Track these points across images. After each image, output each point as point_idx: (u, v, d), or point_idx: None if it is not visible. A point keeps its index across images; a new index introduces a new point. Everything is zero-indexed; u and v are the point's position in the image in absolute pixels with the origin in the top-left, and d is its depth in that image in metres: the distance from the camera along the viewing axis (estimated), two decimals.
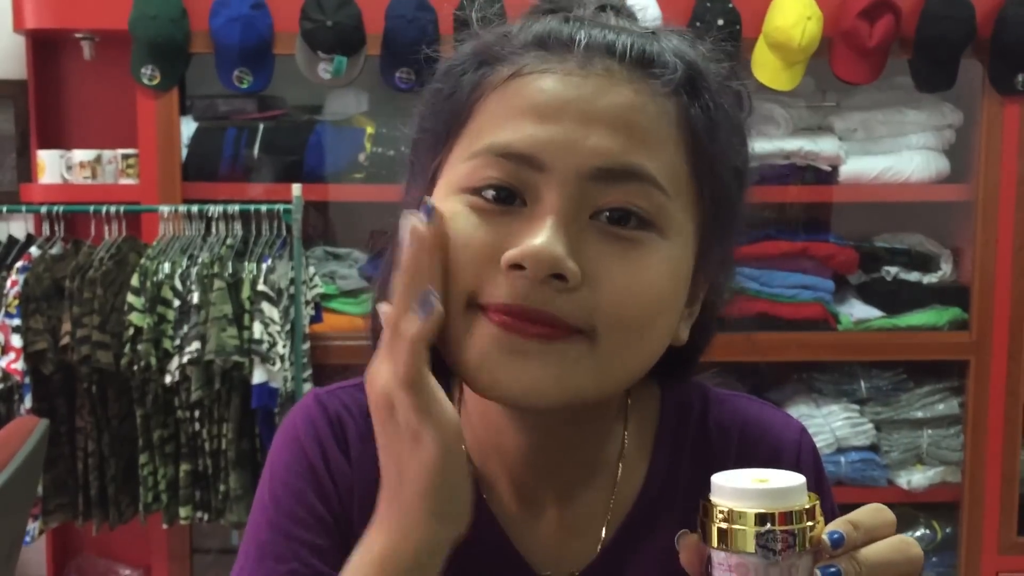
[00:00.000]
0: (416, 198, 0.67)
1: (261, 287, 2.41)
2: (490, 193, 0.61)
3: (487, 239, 0.60)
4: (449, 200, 0.63)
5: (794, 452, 0.76)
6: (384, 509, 0.61)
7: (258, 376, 2.38)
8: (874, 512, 0.57)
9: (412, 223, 0.60)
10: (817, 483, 0.75)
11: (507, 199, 0.61)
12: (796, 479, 0.57)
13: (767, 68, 2.59)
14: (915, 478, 2.77)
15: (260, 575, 0.69)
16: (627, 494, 0.73)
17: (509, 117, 0.61)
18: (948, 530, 2.85)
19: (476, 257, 0.60)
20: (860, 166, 2.72)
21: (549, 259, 0.58)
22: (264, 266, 2.43)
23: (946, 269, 2.81)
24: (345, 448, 0.73)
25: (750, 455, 0.74)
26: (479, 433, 0.71)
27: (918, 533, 2.86)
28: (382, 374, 0.59)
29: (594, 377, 0.61)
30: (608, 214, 0.61)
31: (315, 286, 2.59)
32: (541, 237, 0.58)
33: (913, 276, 2.81)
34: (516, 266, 0.59)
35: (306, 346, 2.55)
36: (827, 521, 0.72)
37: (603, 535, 0.72)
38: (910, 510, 2.88)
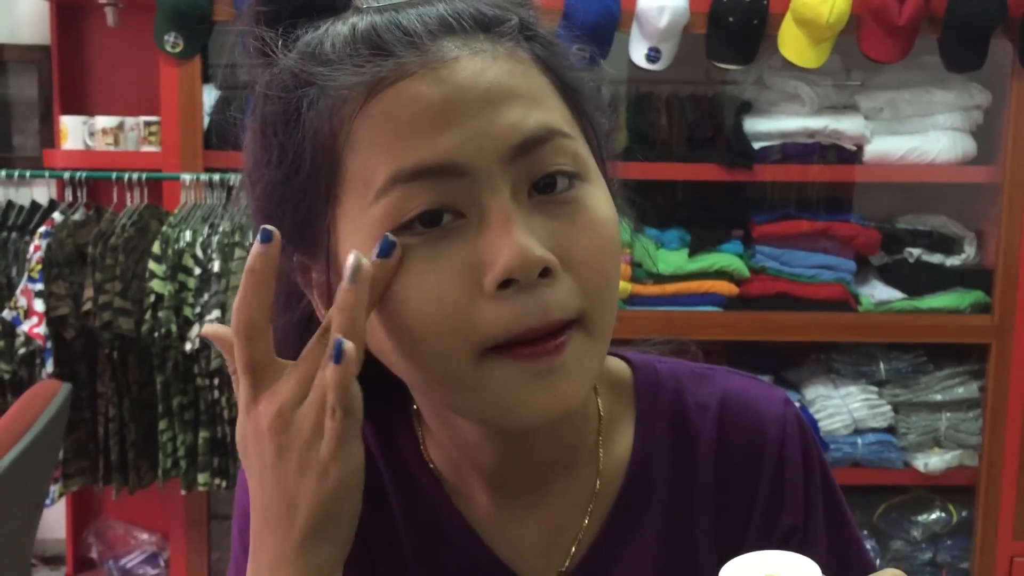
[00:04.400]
0: (296, 260, 0.63)
1: None
2: (418, 225, 0.56)
3: (457, 277, 0.56)
4: (387, 250, 0.57)
5: (779, 426, 0.72)
6: (270, 536, 0.60)
7: None
8: None
9: (360, 262, 0.56)
10: (805, 456, 0.72)
11: (436, 221, 0.57)
12: (810, 574, 0.53)
13: (794, 45, 2.56)
14: (932, 461, 2.76)
15: None
16: (611, 482, 0.71)
17: (399, 138, 0.56)
18: (964, 513, 2.84)
19: (459, 301, 0.56)
20: (885, 146, 2.69)
21: (534, 260, 0.56)
22: None
23: (969, 252, 2.79)
24: None
25: (731, 431, 0.71)
26: (450, 451, 0.69)
27: (933, 516, 2.86)
28: (293, 397, 0.59)
29: (597, 352, 0.61)
30: (541, 184, 0.58)
31: None
32: (513, 242, 0.55)
33: (936, 258, 2.78)
34: (504, 283, 0.56)
35: None
36: (818, 491, 0.70)
37: (587, 525, 0.70)
38: (926, 493, 2.88)
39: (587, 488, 0.70)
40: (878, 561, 2.81)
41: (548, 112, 0.59)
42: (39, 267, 2.41)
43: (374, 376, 0.63)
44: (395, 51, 0.57)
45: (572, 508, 0.70)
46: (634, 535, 0.70)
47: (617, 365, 0.75)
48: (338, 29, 0.59)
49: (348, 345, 0.56)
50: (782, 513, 0.71)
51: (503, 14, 0.61)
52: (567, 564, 0.70)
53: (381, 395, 0.68)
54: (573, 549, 0.70)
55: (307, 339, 0.60)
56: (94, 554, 2.95)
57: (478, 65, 0.58)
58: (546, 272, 0.57)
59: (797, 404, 3.01)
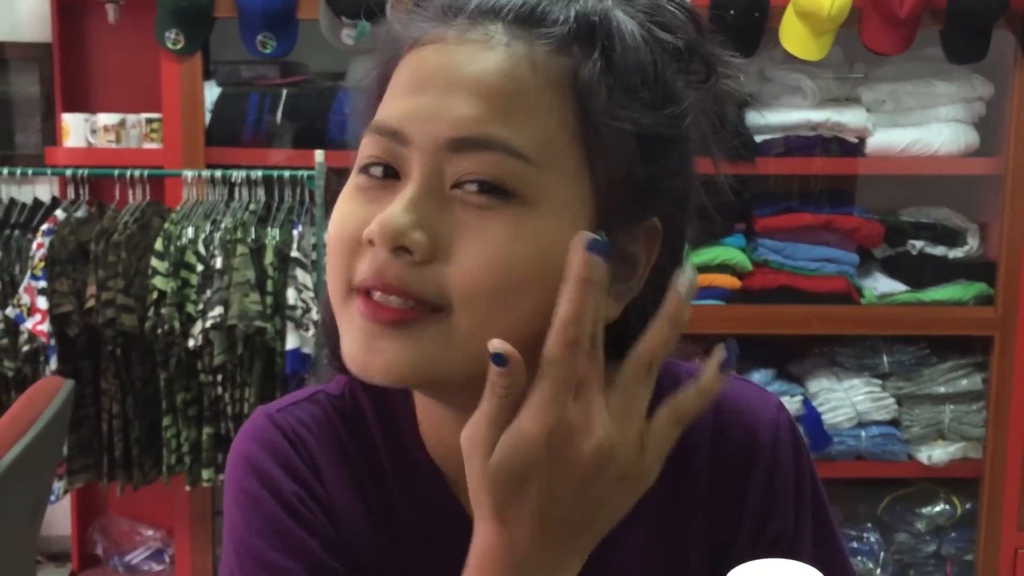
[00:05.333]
0: None
1: (295, 253, 2.42)
2: (376, 170, 0.61)
3: (359, 218, 0.60)
4: (349, 181, 0.63)
5: (772, 431, 0.72)
6: (555, 551, 0.59)
7: (291, 342, 2.40)
8: None
9: (590, 259, 0.56)
10: (796, 461, 0.72)
11: (385, 175, 0.61)
12: None
13: (795, 37, 2.55)
14: (936, 453, 2.76)
15: None
16: None
17: (392, 94, 0.62)
18: (968, 506, 2.84)
19: (349, 238, 0.60)
20: (888, 138, 2.69)
21: (392, 231, 0.57)
22: (295, 232, 2.45)
23: (972, 244, 2.78)
24: (314, 467, 0.69)
25: (725, 434, 0.72)
26: (441, 435, 0.69)
27: (937, 508, 2.86)
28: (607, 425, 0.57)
29: (452, 355, 0.59)
30: (468, 185, 0.58)
31: None
32: (389, 210, 0.58)
33: (939, 250, 2.78)
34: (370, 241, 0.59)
35: None
36: (799, 503, 0.71)
37: None
38: (930, 485, 2.88)
39: None
40: (881, 554, 2.81)
41: (512, 128, 0.58)
42: (42, 264, 2.41)
43: None
44: (446, 21, 0.62)
45: None
46: (626, 533, 0.68)
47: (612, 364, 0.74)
48: None
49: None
50: (772, 517, 0.71)
51: (559, 18, 0.60)
52: None
53: None
54: None
55: None
56: (99, 550, 2.96)
57: (481, 53, 0.59)
58: (403, 250, 0.58)
59: (801, 397, 3.00)
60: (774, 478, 0.71)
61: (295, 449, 0.69)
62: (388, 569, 0.70)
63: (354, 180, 0.62)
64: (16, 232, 2.54)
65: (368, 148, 0.61)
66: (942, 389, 2.77)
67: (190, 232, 2.43)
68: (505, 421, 0.56)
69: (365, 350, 0.60)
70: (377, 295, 0.59)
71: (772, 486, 0.71)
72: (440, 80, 0.59)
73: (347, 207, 0.62)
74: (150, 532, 2.97)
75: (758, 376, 2.75)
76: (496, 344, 0.55)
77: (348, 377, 0.72)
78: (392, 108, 0.61)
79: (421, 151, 0.59)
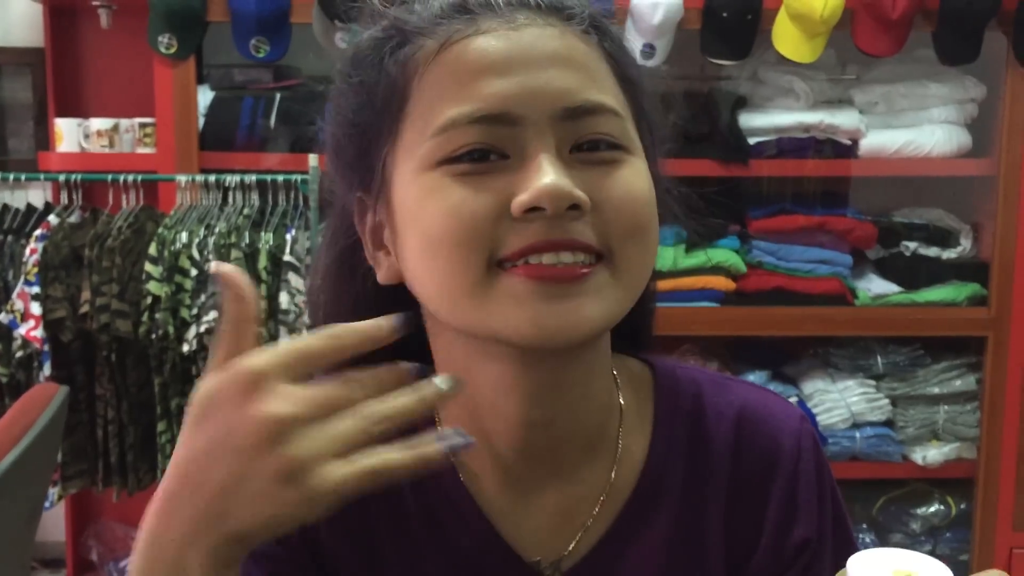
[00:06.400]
0: (357, 198, 0.68)
1: (287, 257, 2.42)
2: (468, 157, 0.62)
3: (489, 197, 0.61)
4: (425, 177, 0.62)
5: (795, 440, 0.73)
6: (190, 511, 0.54)
7: None
8: None
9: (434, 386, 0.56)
10: (818, 473, 0.74)
11: (484, 158, 0.62)
12: None
13: (788, 40, 2.56)
14: (930, 454, 2.77)
15: None
16: (626, 475, 0.72)
17: (462, 84, 0.62)
18: (963, 506, 2.85)
19: (486, 216, 0.61)
20: (880, 140, 2.69)
21: (565, 193, 0.60)
22: (288, 237, 2.44)
23: (966, 245, 2.79)
24: None
25: (747, 442, 0.73)
26: (466, 423, 0.69)
27: (932, 508, 2.86)
28: (311, 408, 0.53)
29: (622, 294, 0.64)
30: (585, 145, 0.63)
31: None
32: (548, 176, 0.60)
33: (932, 251, 2.79)
34: (531, 210, 0.60)
35: None
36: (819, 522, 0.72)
37: (597, 514, 0.71)
38: (925, 485, 2.88)
39: (601, 479, 0.71)
40: None
41: (604, 91, 0.64)
42: (35, 270, 2.41)
43: (402, 348, 0.65)
44: (475, 11, 0.64)
45: (584, 497, 0.71)
46: (643, 532, 0.71)
47: (638, 366, 0.76)
48: None
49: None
50: (795, 526, 0.72)
51: (576, 5, 0.66)
52: (570, 549, 0.70)
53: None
54: (580, 535, 0.70)
55: (371, 314, 0.60)
56: (94, 556, 2.95)
57: (547, 33, 0.64)
58: (575, 207, 0.61)
59: (795, 399, 3.01)
60: (797, 488, 0.72)
61: None
62: (397, 560, 0.71)
63: (444, 170, 0.62)
64: (9, 238, 2.54)
65: (457, 139, 0.61)
66: (936, 390, 2.78)
67: (184, 237, 2.43)
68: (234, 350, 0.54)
69: (549, 314, 0.61)
70: (545, 257, 0.60)
71: (795, 495, 0.72)
72: (522, 61, 0.62)
73: (455, 195, 0.61)
74: None
75: (752, 378, 2.75)
76: (215, 266, 0.57)
77: None
78: (481, 96, 0.61)
79: (535, 126, 0.62)
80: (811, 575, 0.72)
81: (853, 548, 0.75)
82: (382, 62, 0.66)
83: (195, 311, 2.39)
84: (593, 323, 0.62)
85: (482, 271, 0.61)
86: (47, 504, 2.30)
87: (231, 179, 2.51)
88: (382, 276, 0.68)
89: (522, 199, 0.60)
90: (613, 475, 0.71)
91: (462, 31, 0.63)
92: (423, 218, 0.62)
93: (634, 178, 0.64)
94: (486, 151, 0.62)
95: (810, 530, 0.72)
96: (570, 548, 0.70)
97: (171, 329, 2.38)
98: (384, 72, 0.65)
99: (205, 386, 0.54)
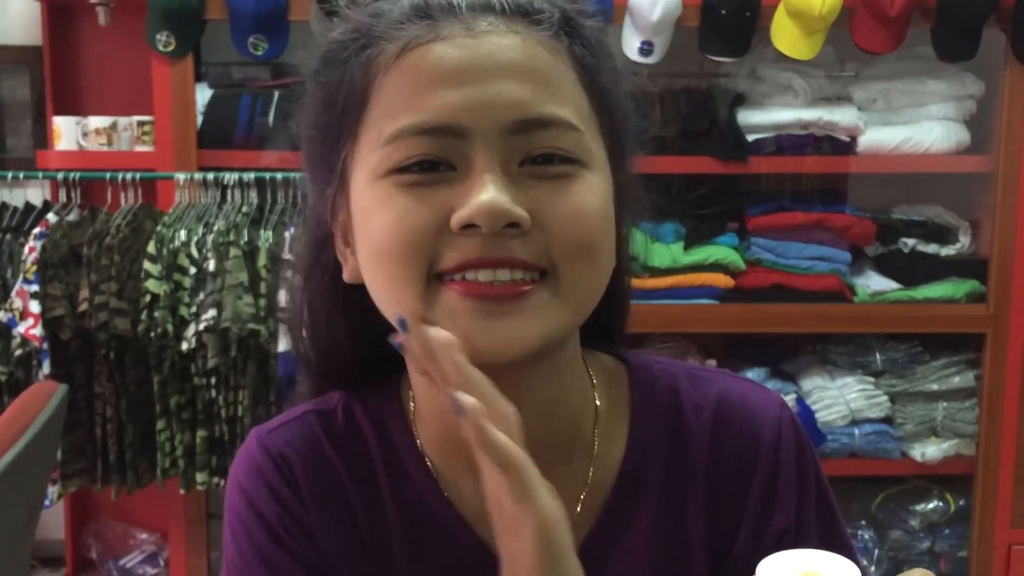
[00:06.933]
0: (327, 195, 0.68)
1: (287, 255, 2.42)
2: (416, 168, 0.62)
3: (431, 210, 0.61)
4: (375, 186, 0.63)
5: (774, 429, 0.73)
6: None
7: (283, 344, 2.39)
8: None
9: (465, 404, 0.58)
10: (799, 460, 0.73)
11: (432, 168, 0.62)
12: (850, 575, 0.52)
13: (786, 36, 2.56)
14: (929, 450, 2.77)
15: None
16: (605, 473, 0.71)
17: (415, 93, 0.62)
18: (961, 502, 2.85)
19: (425, 228, 0.61)
20: (879, 137, 2.69)
21: (501, 211, 0.60)
22: (287, 234, 2.45)
23: (964, 241, 2.79)
24: (297, 488, 0.71)
25: (725, 433, 0.73)
26: (436, 428, 0.70)
27: (931, 505, 2.87)
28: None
29: (564, 312, 0.63)
30: (537, 158, 0.62)
31: None
32: (486, 193, 0.60)
33: (931, 248, 2.79)
34: (469, 226, 0.60)
35: None
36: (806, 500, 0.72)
37: (578, 514, 0.70)
38: (924, 482, 2.89)
39: (580, 479, 0.71)
40: (876, 551, 2.82)
41: (561, 103, 0.63)
42: (34, 268, 2.41)
43: (369, 352, 0.70)
44: (436, 16, 0.63)
45: (564, 498, 0.69)
46: (626, 529, 0.71)
47: (612, 363, 0.76)
48: None
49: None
50: (775, 515, 0.72)
51: (545, 6, 0.65)
52: None
53: (375, 372, 0.73)
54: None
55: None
56: (93, 554, 2.95)
57: (506, 41, 0.62)
58: (513, 225, 0.60)
59: (794, 396, 3.02)
60: (777, 477, 0.72)
61: (280, 472, 0.71)
62: (382, 570, 0.71)
63: (390, 180, 0.62)
64: (8, 236, 2.54)
65: (406, 150, 0.62)
66: (935, 386, 2.78)
67: (183, 235, 2.43)
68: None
69: (481, 331, 0.61)
70: (481, 274, 0.61)
71: (775, 485, 0.72)
72: (476, 71, 0.61)
73: (399, 206, 0.62)
74: (144, 536, 2.96)
75: (751, 375, 2.75)
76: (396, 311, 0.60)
77: (342, 392, 0.73)
78: (432, 107, 0.61)
79: (483, 138, 0.61)
80: None
81: (840, 534, 0.75)
82: (346, 63, 0.65)
83: (194, 309, 2.39)
84: (528, 342, 0.62)
85: (422, 283, 0.62)
86: (46, 502, 2.30)
87: (230, 177, 2.51)
88: (347, 275, 0.69)
89: (460, 215, 0.60)
90: (591, 474, 0.71)
91: (421, 37, 0.62)
92: (370, 228, 0.63)
93: (585, 194, 0.63)
94: (435, 162, 0.62)
95: (789, 519, 0.72)
96: None
97: (170, 327, 2.38)
98: (347, 73, 0.65)
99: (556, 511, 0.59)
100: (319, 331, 0.73)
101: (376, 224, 0.63)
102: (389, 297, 0.64)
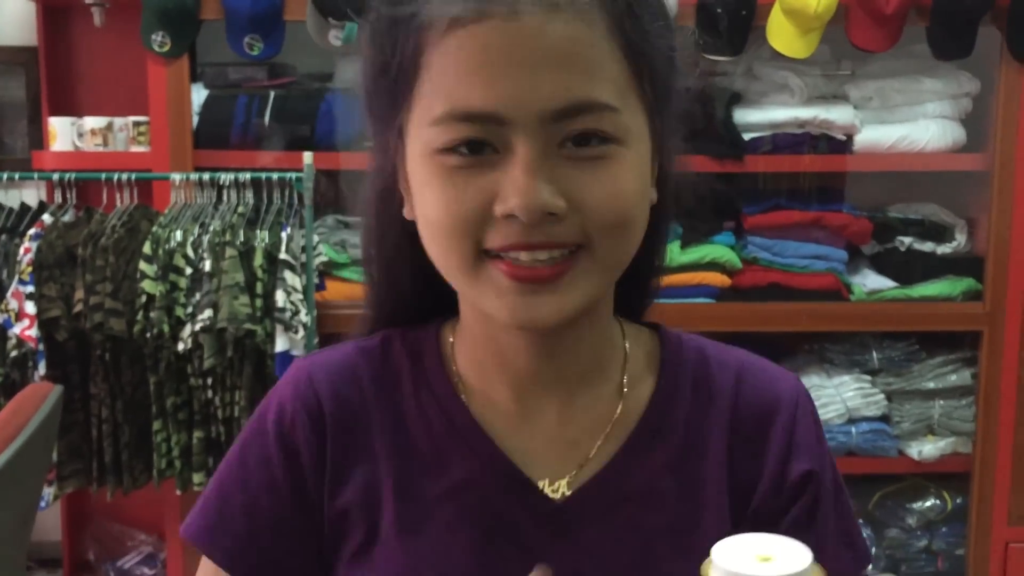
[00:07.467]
0: (387, 144, 0.72)
1: (283, 255, 2.42)
2: (463, 149, 0.66)
3: (476, 195, 0.66)
4: (426, 163, 0.68)
5: (793, 393, 0.78)
6: None
7: (281, 344, 2.39)
8: None
9: None
10: (816, 423, 0.78)
11: (478, 149, 0.66)
12: (803, 559, 0.53)
13: (782, 35, 2.56)
14: (926, 448, 2.77)
15: (204, 534, 0.77)
16: (632, 410, 0.76)
17: (460, 79, 0.65)
18: (958, 500, 2.85)
19: (472, 213, 0.66)
20: (875, 135, 2.69)
21: (538, 206, 0.64)
22: (284, 235, 2.44)
23: (960, 239, 2.79)
24: (316, 407, 0.76)
25: (748, 388, 0.78)
26: (479, 351, 0.76)
27: (928, 503, 2.87)
28: None
29: (598, 279, 0.69)
30: (580, 141, 0.66)
31: (318, 254, 2.59)
32: (525, 187, 0.64)
33: (927, 246, 2.79)
34: (510, 215, 0.65)
35: (313, 314, 2.55)
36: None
37: (601, 444, 0.75)
38: (920, 480, 2.89)
39: (608, 413, 0.76)
40: (873, 549, 2.82)
41: (600, 84, 0.65)
42: (30, 269, 2.40)
43: (422, 296, 0.78)
44: None
45: (590, 427, 0.76)
46: (646, 463, 0.75)
47: (643, 327, 0.82)
48: None
49: None
50: (795, 460, 0.76)
51: None
52: (574, 473, 0.74)
53: (425, 313, 0.80)
54: (585, 461, 0.74)
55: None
56: (90, 556, 2.94)
57: (547, 26, 0.64)
58: (550, 216, 0.65)
59: None
60: (795, 429, 0.77)
61: (299, 391, 0.77)
62: (399, 488, 0.74)
63: (439, 160, 0.67)
64: (3, 237, 2.53)
65: (452, 132, 0.66)
66: (932, 384, 2.78)
67: (178, 235, 2.42)
68: None
69: (524, 307, 0.67)
70: (523, 255, 0.66)
71: (793, 435, 0.76)
72: (518, 60, 0.64)
73: (447, 187, 0.66)
74: (141, 537, 2.96)
75: (741, 350, 2.75)
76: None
77: (389, 329, 0.80)
78: (474, 95, 0.64)
79: (525, 126, 0.64)
80: (816, 511, 0.75)
81: (848, 506, 0.78)
82: (396, 30, 0.68)
83: (190, 309, 2.39)
84: (566, 313, 0.68)
85: (471, 257, 0.68)
86: (42, 504, 2.30)
87: (225, 177, 2.50)
88: (407, 211, 0.74)
89: (501, 209, 0.65)
90: (619, 410, 0.76)
91: (465, 16, 0.65)
92: (423, 202, 0.69)
93: (621, 174, 0.67)
94: (477, 143, 0.66)
95: (811, 463, 0.76)
96: (574, 473, 0.74)
97: (166, 328, 2.38)
98: (399, 42, 0.68)
99: None
100: (392, 265, 0.79)
101: (428, 201, 0.68)
102: (442, 262, 0.71)
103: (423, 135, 0.67)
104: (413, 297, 0.80)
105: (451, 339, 0.78)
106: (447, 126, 0.66)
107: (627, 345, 0.79)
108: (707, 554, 0.54)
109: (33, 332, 2.39)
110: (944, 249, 2.79)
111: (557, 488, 0.74)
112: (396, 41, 0.68)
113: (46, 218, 2.49)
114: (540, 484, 0.74)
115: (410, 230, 0.73)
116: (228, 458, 0.79)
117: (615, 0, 0.67)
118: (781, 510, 0.75)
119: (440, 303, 0.78)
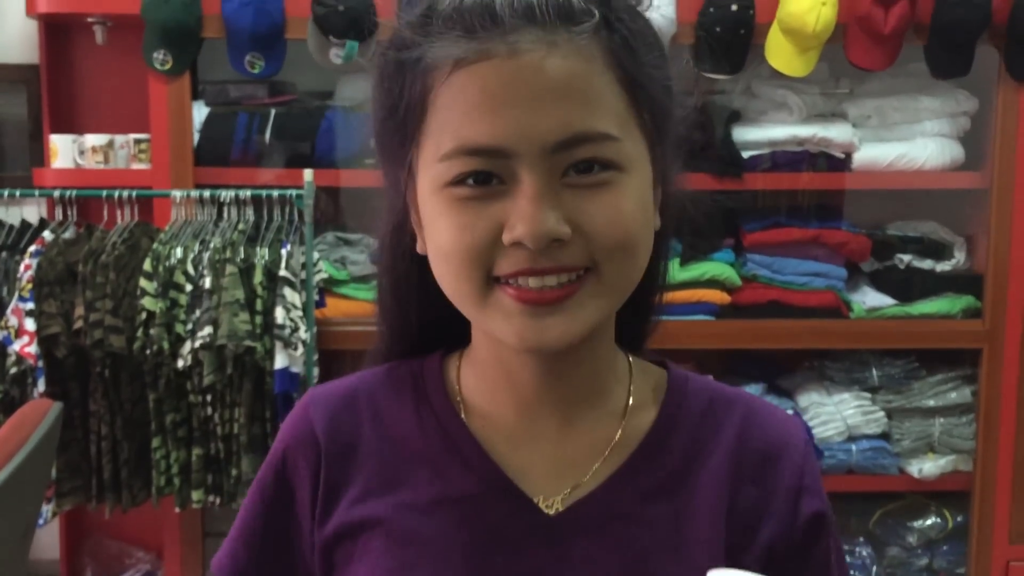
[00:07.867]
0: (398, 181, 0.75)
1: (283, 272, 2.42)
2: (470, 180, 0.69)
3: (485, 225, 0.69)
4: (437, 197, 0.71)
5: (801, 442, 0.80)
6: None
7: (280, 361, 2.39)
8: None
9: None
10: (822, 487, 0.80)
11: (486, 181, 0.69)
12: None
13: (781, 54, 2.57)
14: (926, 466, 2.76)
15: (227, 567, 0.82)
16: (633, 434, 0.78)
17: (466, 116, 0.68)
18: (959, 519, 2.85)
19: (482, 242, 0.69)
20: (874, 153, 2.70)
21: (544, 233, 0.67)
22: (284, 252, 2.44)
23: (960, 257, 2.80)
24: (311, 432, 0.80)
25: (754, 428, 0.79)
26: (488, 373, 0.79)
27: (929, 521, 2.86)
28: None
29: (605, 301, 0.72)
30: (582, 169, 0.69)
31: (318, 271, 2.60)
32: (531, 216, 0.67)
33: (926, 264, 2.79)
34: (518, 243, 0.68)
35: (312, 331, 2.56)
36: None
37: (599, 465, 0.77)
38: (921, 498, 2.88)
39: (608, 437, 0.78)
40: (874, 568, 2.81)
41: (599, 115, 0.68)
42: (30, 286, 2.40)
43: (431, 329, 0.81)
44: (481, 35, 0.68)
45: (589, 449, 0.77)
46: (640, 485, 0.77)
47: (652, 365, 0.83)
48: (444, 4, 0.70)
49: None
50: (805, 500, 0.78)
51: (586, 8, 0.69)
52: (570, 490, 0.76)
53: (433, 348, 0.83)
54: (581, 480, 0.76)
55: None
56: (89, 573, 2.93)
57: (546, 63, 0.67)
58: (556, 242, 0.68)
59: (791, 412, 3.02)
60: (806, 468, 0.79)
61: (304, 416, 0.80)
62: (394, 501, 0.77)
63: (448, 193, 0.70)
64: (3, 254, 2.53)
65: (460, 167, 0.69)
66: (932, 402, 2.78)
67: (179, 252, 2.43)
68: None
69: (532, 329, 0.70)
70: (531, 281, 0.69)
71: (803, 474, 0.78)
72: (520, 95, 0.67)
73: (458, 218, 0.70)
74: (140, 554, 2.94)
75: (748, 391, 2.75)
76: None
77: (397, 360, 0.83)
78: (479, 129, 0.68)
79: (529, 158, 0.68)
80: (829, 558, 0.78)
81: (845, 564, 0.81)
82: (403, 71, 0.71)
83: (190, 326, 2.39)
84: (573, 336, 0.71)
85: (482, 283, 0.70)
86: (41, 521, 2.29)
87: (226, 194, 2.51)
88: (419, 247, 0.77)
89: (510, 237, 0.68)
90: (619, 434, 0.78)
91: (469, 57, 0.68)
92: (435, 234, 0.72)
93: (623, 198, 0.70)
94: (484, 175, 0.69)
95: (822, 505, 0.78)
96: (568, 491, 0.76)
97: (166, 345, 2.38)
98: (406, 82, 0.71)
99: None
100: (405, 299, 0.82)
101: (440, 231, 0.71)
102: (452, 290, 0.73)
103: (433, 170, 0.70)
104: (422, 331, 0.82)
105: (457, 363, 0.81)
106: (455, 161, 0.69)
107: (632, 373, 0.81)
108: (696, 573, 0.55)
109: (33, 349, 2.39)
110: (943, 267, 2.79)
111: (551, 504, 0.76)
112: (403, 83, 0.71)
113: (47, 235, 2.49)
114: (535, 499, 0.76)
115: (420, 265, 0.76)
116: (248, 495, 0.83)
117: (612, 36, 0.69)
118: (797, 549, 0.77)
119: (448, 337, 0.82)
